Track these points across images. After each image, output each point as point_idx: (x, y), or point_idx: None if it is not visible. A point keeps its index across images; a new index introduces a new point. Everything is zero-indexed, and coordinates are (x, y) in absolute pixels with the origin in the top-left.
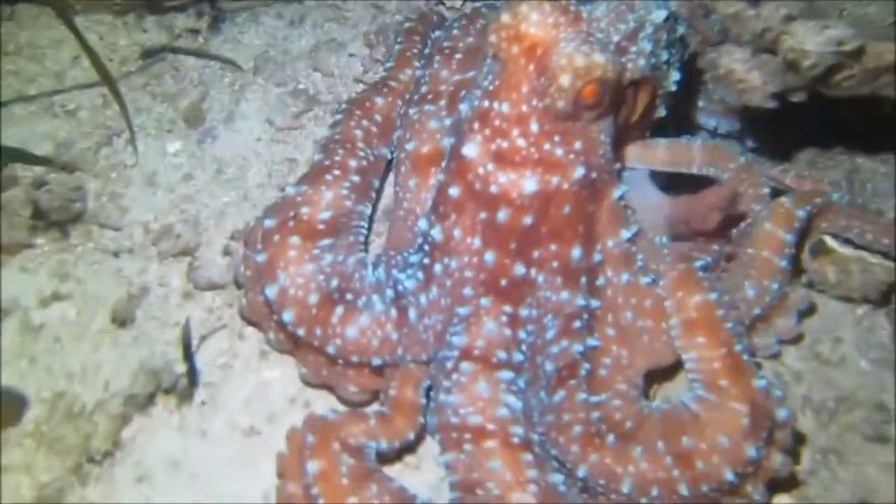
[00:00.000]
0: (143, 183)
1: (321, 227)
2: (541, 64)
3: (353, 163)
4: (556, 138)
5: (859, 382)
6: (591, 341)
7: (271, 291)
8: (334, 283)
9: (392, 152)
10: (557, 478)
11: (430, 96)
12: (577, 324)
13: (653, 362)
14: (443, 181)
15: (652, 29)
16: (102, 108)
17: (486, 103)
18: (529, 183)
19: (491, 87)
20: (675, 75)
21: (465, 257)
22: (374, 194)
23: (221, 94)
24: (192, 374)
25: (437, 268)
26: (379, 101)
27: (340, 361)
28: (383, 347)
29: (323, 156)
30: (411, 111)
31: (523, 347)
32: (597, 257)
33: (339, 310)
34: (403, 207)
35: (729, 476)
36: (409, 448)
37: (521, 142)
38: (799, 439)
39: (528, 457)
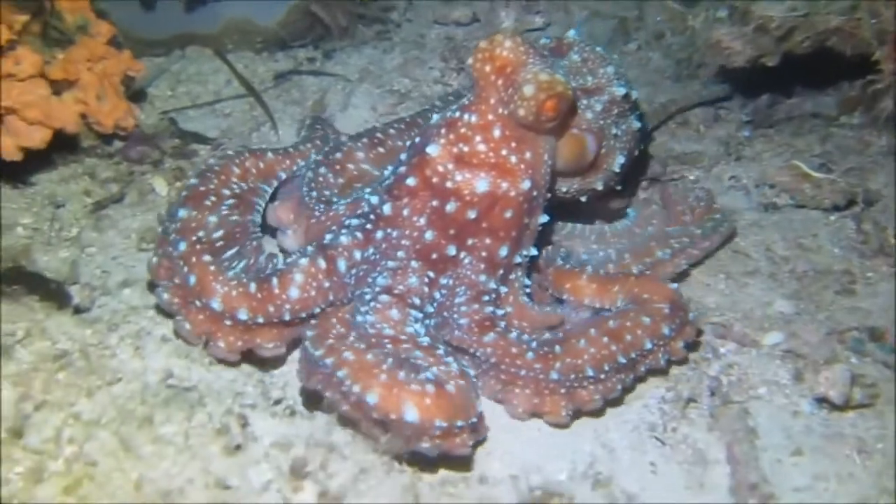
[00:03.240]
0: None
1: (220, 243)
2: (509, 79)
3: (225, 191)
4: (513, 144)
5: (832, 261)
6: (499, 311)
7: (217, 303)
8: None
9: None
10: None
11: (336, 165)
12: (486, 297)
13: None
14: (402, 172)
15: (607, 97)
16: (249, 111)
17: (458, 114)
18: (482, 183)
19: (465, 101)
20: (620, 158)
21: (408, 230)
22: (258, 208)
23: (336, 95)
24: None
25: (379, 234)
26: (270, 155)
27: (296, 321)
28: (319, 296)
29: (198, 181)
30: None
31: (434, 304)
32: (517, 259)
33: (274, 281)
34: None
35: (648, 344)
36: None
37: (481, 146)
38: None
39: (441, 350)
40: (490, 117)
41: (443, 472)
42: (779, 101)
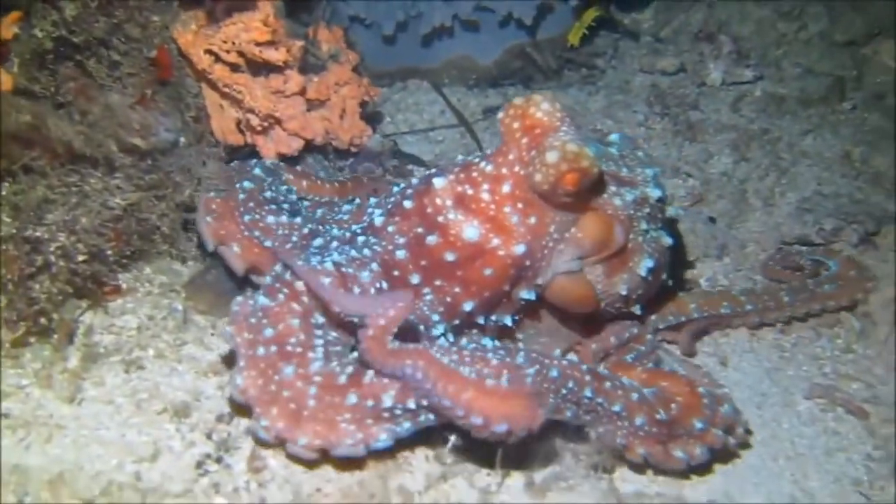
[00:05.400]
0: None
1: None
2: (535, 140)
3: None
4: (519, 205)
5: None
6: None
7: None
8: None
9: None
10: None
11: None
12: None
13: None
14: (407, 192)
15: (639, 192)
16: (460, 139)
17: (476, 160)
18: (472, 231)
19: (487, 152)
20: (648, 262)
21: (384, 242)
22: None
23: None
24: None
25: (361, 239)
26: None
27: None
28: (282, 239)
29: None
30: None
31: None
32: (480, 320)
33: (272, 206)
34: None
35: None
36: None
37: (485, 195)
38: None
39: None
40: (504, 171)
41: (637, 486)
42: None
